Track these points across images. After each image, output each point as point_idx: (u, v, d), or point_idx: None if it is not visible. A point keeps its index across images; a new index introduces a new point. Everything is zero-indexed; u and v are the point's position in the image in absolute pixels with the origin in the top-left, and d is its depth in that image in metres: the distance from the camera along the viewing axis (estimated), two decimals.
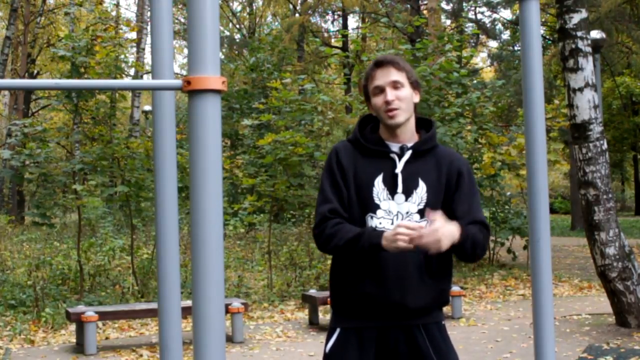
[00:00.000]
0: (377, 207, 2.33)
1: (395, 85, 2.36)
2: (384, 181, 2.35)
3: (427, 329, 2.35)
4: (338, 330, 2.39)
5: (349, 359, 2.34)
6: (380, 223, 2.32)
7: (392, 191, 2.34)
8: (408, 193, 2.34)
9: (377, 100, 2.38)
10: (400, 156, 2.38)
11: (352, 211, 2.36)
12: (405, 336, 2.33)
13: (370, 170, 2.37)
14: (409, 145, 2.39)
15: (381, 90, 2.37)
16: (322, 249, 2.37)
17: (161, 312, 1.34)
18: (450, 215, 2.32)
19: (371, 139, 2.42)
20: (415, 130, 2.44)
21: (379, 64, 2.39)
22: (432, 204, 2.35)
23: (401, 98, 2.35)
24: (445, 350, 2.36)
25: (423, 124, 2.49)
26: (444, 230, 2.17)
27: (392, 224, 2.32)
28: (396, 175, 2.35)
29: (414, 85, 2.41)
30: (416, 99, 2.42)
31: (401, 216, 2.33)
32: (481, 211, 2.43)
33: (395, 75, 2.37)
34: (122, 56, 9.52)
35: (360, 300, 2.32)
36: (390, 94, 2.35)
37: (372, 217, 2.33)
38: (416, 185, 2.35)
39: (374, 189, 2.34)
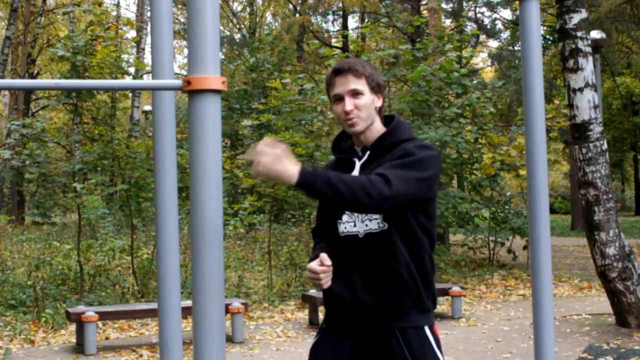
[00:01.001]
0: (343, 212, 2.38)
1: (354, 93, 2.34)
2: None
3: (404, 333, 2.31)
4: (323, 327, 2.47)
5: (325, 356, 2.39)
6: (345, 228, 2.37)
7: None
8: None
9: (337, 109, 2.39)
10: (361, 159, 2.41)
11: (327, 221, 2.46)
12: (380, 340, 2.32)
13: None
14: (369, 145, 2.41)
15: (340, 98, 2.36)
16: None
17: (161, 312, 1.34)
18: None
19: (343, 149, 2.49)
20: (383, 130, 2.43)
21: (338, 71, 2.37)
22: None
23: (360, 107, 2.34)
24: (422, 354, 2.30)
25: (390, 121, 2.47)
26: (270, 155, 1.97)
27: (355, 226, 2.35)
28: None
29: (375, 89, 2.38)
30: (378, 103, 2.41)
31: (361, 217, 2.35)
32: (397, 176, 2.18)
33: (353, 83, 2.34)
34: (124, 55, 9.51)
35: (333, 300, 2.38)
36: (349, 103, 2.33)
37: (340, 223, 2.39)
38: None
39: None
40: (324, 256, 2.31)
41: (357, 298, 2.32)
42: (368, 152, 2.39)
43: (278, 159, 1.96)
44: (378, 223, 2.32)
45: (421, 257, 2.34)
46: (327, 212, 2.46)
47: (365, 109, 2.35)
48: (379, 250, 2.32)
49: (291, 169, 2.01)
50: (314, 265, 2.31)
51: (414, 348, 2.29)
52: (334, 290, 2.36)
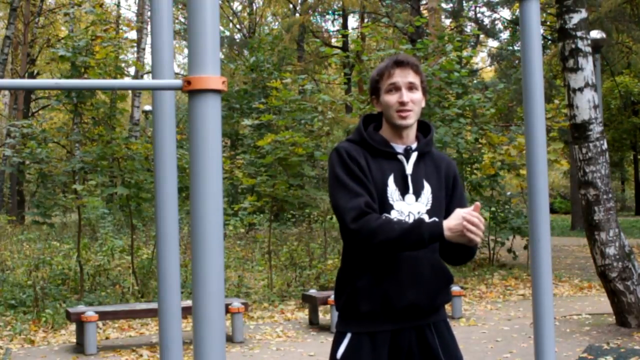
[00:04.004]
0: (392, 207, 2.34)
1: (411, 87, 2.38)
2: (395, 182, 2.36)
3: (437, 327, 2.38)
4: (349, 335, 2.34)
5: None
6: None
7: (403, 192, 2.36)
8: (417, 194, 2.38)
9: (390, 98, 2.37)
10: (406, 157, 2.40)
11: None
12: (417, 336, 2.35)
13: (382, 171, 2.37)
14: (413, 147, 2.42)
15: (397, 88, 2.37)
16: (365, 244, 2.24)
17: (161, 312, 1.34)
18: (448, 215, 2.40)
19: (378, 140, 2.41)
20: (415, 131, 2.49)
21: (400, 63, 2.38)
22: (436, 205, 2.41)
23: (415, 101, 2.37)
24: (453, 347, 2.41)
25: (420, 126, 2.51)
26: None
27: None
28: (406, 176, 2.38)
29: (424, 90, 2.45)
30: (423, 103, 2.45)
31: (413, 216, 2.35)
32: None
33: (412, 77, 2.38)
34: (123, 55, 9.51)
35: (377, 304, 2.30)
36: (406, 95, 2.35)
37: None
38: (422, 187, 2.39)
39: (388, 188, 2.35)
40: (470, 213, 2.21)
41: (407, 301, 2.30)
42: (416, 154, 2.41)
43: None
44: None
45: None
46: (378, 201, 2.33)
47: (418, 105, 2.39)
48: (429, 251, 2.34)
49: None
50: (472, 216, 2.18)
51: (445, 339, 2.39)
52: (377, 291, 2.29)
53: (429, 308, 2.35)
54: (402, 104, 2.34)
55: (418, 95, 2.38)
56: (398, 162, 2.39)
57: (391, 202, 2.33)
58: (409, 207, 2.35)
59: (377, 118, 2.50)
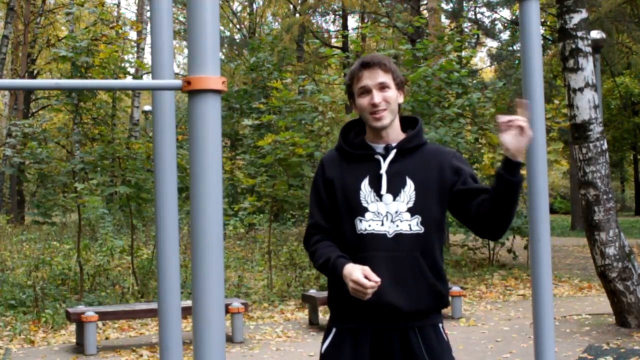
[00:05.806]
0: (365, 210, 2.33)
1: (382, 87, 2.35)
2: (370, 183, 2.35)
3: (423, 331, 2.34)
4: (334, 330, 2.39)
5: (343, 359, 2.34)
6: (369, 225, 2.32)
7: (379, 192, 2.34)
8: (395, 192, 2.34)
9: (363, 102, 2.37)
10: (385, 156, 2.37)
11: (342, 218, 2.37)
12: (400, 338, 2.32)
13: (356, 175, 2.37)
14: (393, 144, 2.39)
15: (367, 91, 2.36)
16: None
17: (161, 312, 1.34)
18: (464, 208, 2.34)
19: (355, 144, 2.42)
20: (400, 130, 2.44)
21: (366, 64, 2.37)
22: (421, 202, 2.34)
23: (388, 99, 2.35)
24: (440, 352, 2.34)
25: (409, 123, 2.48)
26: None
27: (382, 225, 2.32)
28: (381, 175, 2.35)
29: (399, 86, 2.41)
30: (400, 99, 2.42)
31: (391, 216, 2.32)
32: None
33: (382, 77, 2.35)
34: (126, 55, 9.52)
35: (356, 302, 2.31)
36: (377, 96, 2.34)
37: (361, 221, 2.33)
38: (404, 184, 2.35)
39: (361, 192, 2.35)
40: (368, 270, 2.21)
41: (385, 300, 2.28)
42: (394, 151, 2.37)
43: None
44: (410, 225, 2.32)
45: (441, 257, 2.40)
46: (344, 209, 2.36)
47: (392, 103, 2.36)
48: (410, 251, 2.31)
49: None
50: (363, 279, 2.19)
51: (432, 346, 2.33)
52: None
53: (410, 311, 2.31)
54: (374, 105, 2.33)
55: (391, 93, 2.36)
56: (375, 162, 2.37)
57: (365, 204, 2.33)
58: (386, 207, 2.33)
59: (360, 122, 2.50)
